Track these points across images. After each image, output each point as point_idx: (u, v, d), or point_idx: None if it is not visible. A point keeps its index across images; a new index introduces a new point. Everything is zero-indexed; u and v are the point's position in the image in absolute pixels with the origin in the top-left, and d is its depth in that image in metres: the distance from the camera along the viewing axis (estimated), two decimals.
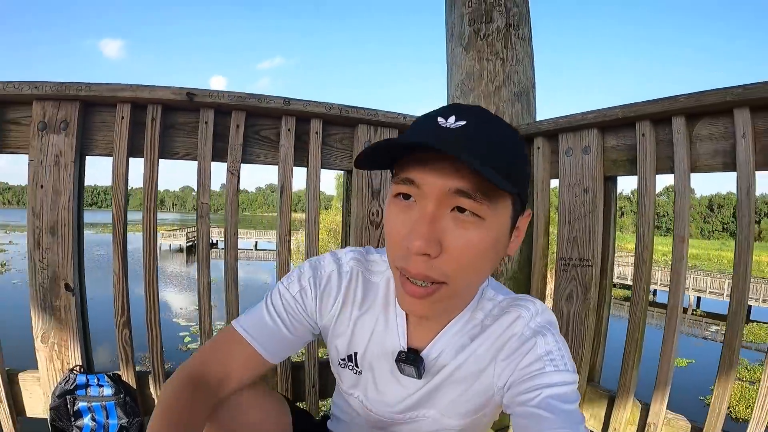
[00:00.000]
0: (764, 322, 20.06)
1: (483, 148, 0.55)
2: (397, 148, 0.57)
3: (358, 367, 0.83)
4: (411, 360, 0.75)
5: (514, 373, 0.69)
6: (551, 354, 0.67)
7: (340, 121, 1.54)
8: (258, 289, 23.33)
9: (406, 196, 0.59)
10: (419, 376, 0.76)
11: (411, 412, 0.81)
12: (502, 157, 0.56)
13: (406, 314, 0.77)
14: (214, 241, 42.02)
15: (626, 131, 1.39)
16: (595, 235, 1.46)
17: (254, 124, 1.48)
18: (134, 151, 1.38)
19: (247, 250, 40.29)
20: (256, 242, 41.91)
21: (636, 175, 1.34)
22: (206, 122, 1.41)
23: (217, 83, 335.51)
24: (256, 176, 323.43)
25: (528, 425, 0.61)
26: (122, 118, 1.34)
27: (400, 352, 0.76)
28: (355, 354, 0.82)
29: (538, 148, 1.63)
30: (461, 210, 0.57)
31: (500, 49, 1.73)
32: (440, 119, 0.57)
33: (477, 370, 0.74)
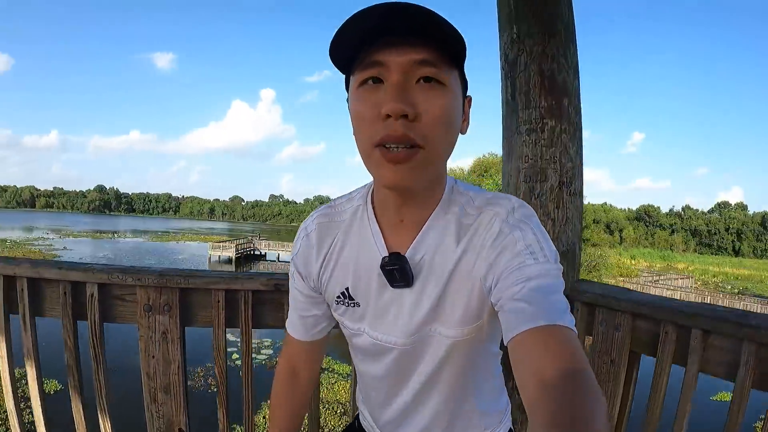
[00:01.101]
0: None
1: (432, 18, 0.60)
2: (368, 26, 0.62)
3: (352, 299, 0.85)
4: (394, 263, 0.76)
5: (497, 270, 0.69)
6: (531, 247, 0.68)
7: None
8: None
9: (374, 80, 0.65)
10: (409, 282, 0.77)
11: (420, 331, 0.81)
12: (457, 37, 0.63)
13: (379, 225, 0.80)
14: (263, 253, 43.15)
15: (653, 323, 1.53)
16: (615, 399, 1.61)
17: None
18: (229, 323, 1.64)
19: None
20: None
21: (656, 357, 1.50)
22: None
23: (267, 95, 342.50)
24: (303, 187, 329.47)
25: (511, 319, 0.62)
26: (218, 301, 1.61)
27: (382, 259, 0.77)
28: (347, 289, 0.85)
29: (577, 310, 1.75)
30: (427, 79, 0.64)
31: (552, 210, 1.80)
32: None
33: (466, 272, 0.75)
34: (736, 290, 36.19)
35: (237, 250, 38.69)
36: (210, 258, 37.91)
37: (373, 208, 0.82)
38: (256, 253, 42.63)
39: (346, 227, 0.85)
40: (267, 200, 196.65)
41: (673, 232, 79.26)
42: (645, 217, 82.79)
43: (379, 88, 0.65)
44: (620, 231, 67.69)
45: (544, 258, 0.67)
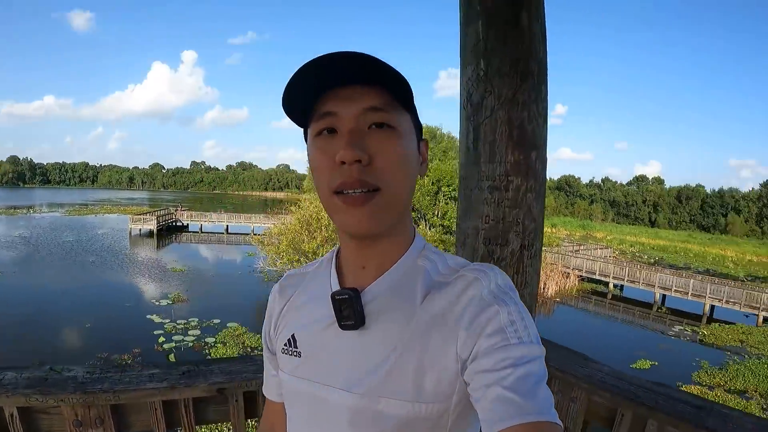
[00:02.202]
0: (726, 323, 20.58)
1: (378, 66, 0.63)
2: (312, 81, 0.64)
3: (296, 348, 0.78)
4: (345, 293, 0.70)
5: (475, 345, 0.63)
6: (515, 324, 0.63)
7: None
8: (232, 276, 23.17)
9: (329, 131, 0.67)
10: (358, 321, 0.70)
11: (367, 393, 0.68)
12: (402, 77, 0.65)
13: (340, 270, 0.77)
14: (185, 224, 41.65)
15: (610, 402, 1.51)
16: None
17: None
18: (169, 426, 1.47)
19: (218, 234, 39.73)
20: (227, 226, 40.96)
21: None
22: (236, 400, 1.52)
23: (189, 57, 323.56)
24: (227, 153, 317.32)
25: (495, 409, 0.58)
26: (155, 410, 1.44)
27: (333, 293, 0.71)
28: (293, 336, 0.79)
29: None
30: (379, 125, 0.66)
31: (512, 275, 1.66)
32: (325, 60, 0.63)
33: (434, 335, 0.67)
34: (653, 260, 38.73)
35: (158, 222, 37.29)
36: (131, 231, 36.34)
37: (338, 258, 0.80)
38: (178, 224, 41.41)
39: (308, 278, 0.84)
40: (188, 167, 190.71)
41: (592, 202, 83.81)
42: (566, 187, 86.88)
43: (334, 138, 0.66)
44: None
45: (528, 338, 0.63)
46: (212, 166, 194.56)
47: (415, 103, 0.72)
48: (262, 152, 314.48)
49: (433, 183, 23.00)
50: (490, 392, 0.58)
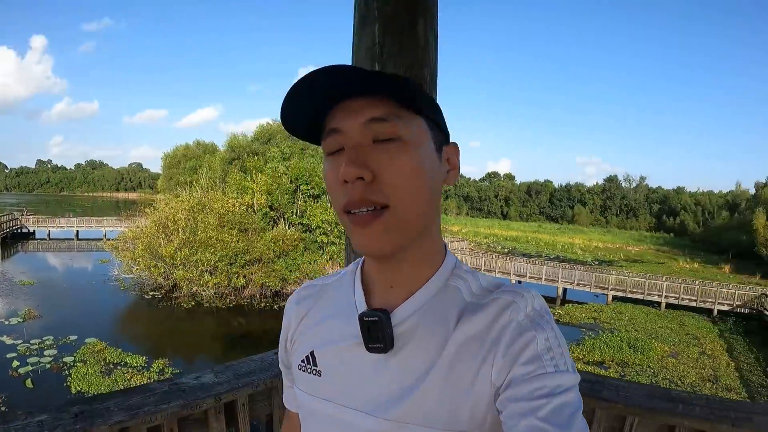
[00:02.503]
0: (579, 303, 22.96)
1: (376, 77, 0.61)
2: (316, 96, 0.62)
3: (316, 366, 0.74)
4: (375, 314, 0.66)
5: (511, 369, 0.60)
6: (552, 351, 0.60)
7: None
8: (86, 287, 21.48)
9: (338, 150, 0.64)
10: (388, 345, 0.65)
11: (397, 421, 0.64)
12: (405, 83, 0.64)
13: (366, 286, 0.73)
14: (31, 231, 37.51)
15: None
16: None
17: None
18: None
19: (67, 240, 36.51)
20: (77, 231, 37.72)
21: None
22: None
23: (38, 43, 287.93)
24: (75, 150, 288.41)
25: None
26: None
27: (361, 314, 0.67)
28: (311, 353, 0.75)
29: None
30: (383, 140, 0.61)
31: None
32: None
33: (465, 359, 0.63)
34: (506, 250, 41.80)
35: (2, 229, 33.26)
36: None
37: (362, 272, 0.75)
38: (24, 231, 37.35)
39: (329, 290, 0.80)
40: (34, 167, 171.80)
41: (447, 197, 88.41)
42: None
43: (341, 155, 0.63)
44: None
45: (564, 366, 0.60)
46: (60, 165, 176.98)
47: (433, 102, 0.68)
48: (113, 150, 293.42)
49: (291, 181, 23.39)
50: (524, 423, 0.56)
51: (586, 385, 1.45)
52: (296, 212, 23.20)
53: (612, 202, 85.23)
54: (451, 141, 0.72)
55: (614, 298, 23.27)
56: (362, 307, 0.71)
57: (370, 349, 0.67)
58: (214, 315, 17.91)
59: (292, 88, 0.61)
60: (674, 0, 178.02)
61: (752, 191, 59.78)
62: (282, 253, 20.88)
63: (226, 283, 19.34)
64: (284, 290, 20.41)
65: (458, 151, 0.72)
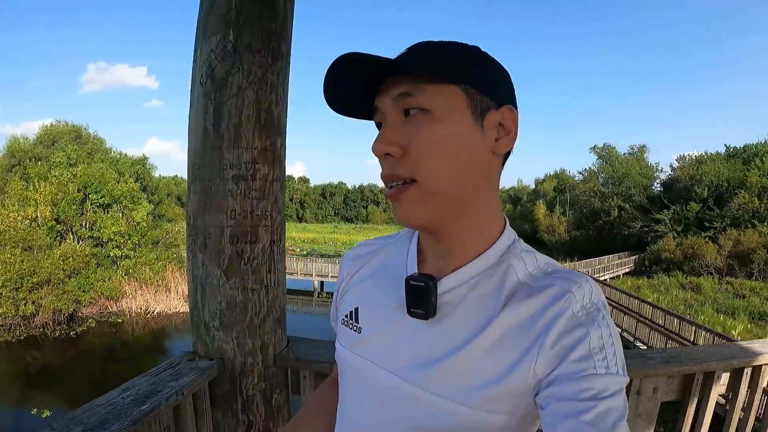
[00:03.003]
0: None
1: (418, 51, 0.63)
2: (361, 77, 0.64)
3: (357, 323, 0.75)
4: (421, 279, 0.66)
5: (559, 365, 0.59)
6: (604, 351, 0.59)
7: None
8: None
9: (379, 125, 0.67)
10: (429, 312, 0.65)
11: (423, 387, 0.65)
12: (436, 55, 0.63)
13: (417, 250, 0.74)
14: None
15: None
16: None
17: None
18: None
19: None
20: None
21: None
22: None
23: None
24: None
25: None
26: None
27: (408, 277, 0.68)
28: (355, 309, 0.77)
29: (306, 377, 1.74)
30: (409, 111, 0.62)
31: (264, 275, 1.65)
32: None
33: (512, 347, 0.62)
34: (305, 252, 43.17)
35: None
36: None
37: (418, 240, 0.76)
38: None
39: (384, 250, 0.81)
40: None
41: None
42: None
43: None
44: None
45: (615, 367, 0.59)
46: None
47: (478, 68, 0.65)
48: None
49: (79, 190, 21.23)
50: (568, 424, 0.55)
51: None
52: (85, 224, 21.24)
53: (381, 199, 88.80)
54: (506, 105, 0.65)
55: None
56: (412, 271, 0.72)
57: (411, 314, 0.67)
58: (3, 350, 15.61)
59: (328, 78, 0.63)
60: None
61: (532, 186, 66.70)
62: (73, 272, 19.02)
63: (12, 311, 16.99)
64: (79, 313, 18.69)
65: (514, 115, 0.66)
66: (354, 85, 0.65)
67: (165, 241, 24.42)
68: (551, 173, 62.04)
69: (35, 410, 11.80)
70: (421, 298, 0.66)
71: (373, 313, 0.74)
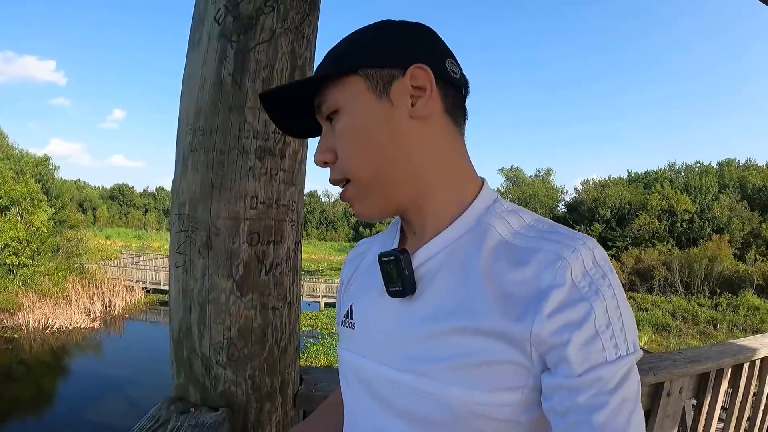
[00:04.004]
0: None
1: (323, 59, 0.65)
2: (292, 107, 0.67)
3: (352, 319, 0.71)
4: (391, 254, 0.62)
5: (561, 346, 0.51)
6: (612, 327, 0.52)
7: None
8: None
9: None
10: (407, 287, 0.60)
11: (411, 366, 0.59)
12: (332, 54, 0.64)
13: (401, 230, 0.71)
14: None
15: None
16: None
17: None
18: None
19: None
20: None
21: None
22: None
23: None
24: None
25: None
26: None
27: (379, 254, 0.64)
28: (351, 306, 0.72)
29: None
30: (329, 119, 0.64)
31: (288, 288, 1.30)
32: None
33: (501, 319, 0.54)
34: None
35: None
36: None
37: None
38: None
39: (376, 243, 0.78)
40: None
41: (147, 211, 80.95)
42: (119, 196, 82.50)
43: None
44: (94, 210, 65.45)
45: (625, 347, 0.52)
46: None
47: (368, 48, 0.62)
48: None
49: None
50: (576, 428, 0.50)
51: None
52: None
53: (312, 216, 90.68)
54: (412, 65, 0.60)
55: (326, 304, 24.39)
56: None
57: (390, 293, 0.62)
58: None
59: (267, 111, 0.66)
60: None
61: None
62: None
63: None
64: None
65: (425, 72, 0.60)
66: (302, 110, 0.67)
67: (66, 249, 22.85)
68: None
69: None
70: (396, 273, 0.62)
71: (362, 305, 0.71)
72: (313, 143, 0.77)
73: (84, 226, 31.07)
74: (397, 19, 0.66)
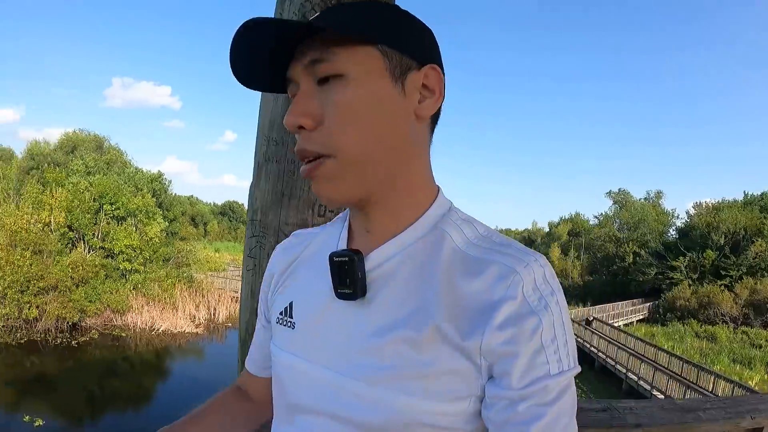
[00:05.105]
0: None
1: (331, 13, 0.58)
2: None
3: (291, 318, 0.68)
4: (345, 254, 0.60)
5: (506, 358, 0.53)
6: (556, 342, 0.54)
7: None
8: None
9: (293, 98, 0.59)
10: (357, 290, 0.59)
11: (361, 379, 0.58)
12: (347, 11, 0.57)
13: (349, 230, 0.68)
14: None
15: None
16: None
17: None
18: None
19: None
20: None
21: None
22: None
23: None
24: None
25: None
26: None
27: (332, 254, 0.62)
28: (290, 304, 0.69)
29: None
30: (324, 80, 0.56)
31: None
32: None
33: (451, 329, 0.55)
34: None
35: None
36: None
37: (350, 220, 0.69)
38: None
39: (318, 238, 0.74)
40: None
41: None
42: (230, 212, 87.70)
43: None
44: (205, 224, 69.28)
45: (567, 361, 0.54)
46: None
47: (394, 24, 0.59)
48: None
49: (94, 199, 21.26)
50: (508, 428, 0.52)
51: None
52: (98, 235, 21.23)
53: None
54: (429, 64, 0.60)
55: None
56: (342, 245, 0.66)
57: (339, 295, 0.61)
58: (2, 353, 15.45)
59: (233, 46, 0.56)
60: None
61: (546, 229, 66.73)
62: (81, 281, 18.85)
63: (16, 314, 16.80)
64: (83, 323, 18.44)
65: (438, 74, 0.61)
66: (262, 55, 0.59)
67: (176, 259, 24.30)
68: (566, 216, 61.75)
69: (28, 417, 11.74)
70: (347, 275, 0.60)
71: (305, 304, 0.67)
72: None
73: (195, 239, 33.33)
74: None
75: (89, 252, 20.89)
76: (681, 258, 32.51)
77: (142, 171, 27.07)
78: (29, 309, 17.18)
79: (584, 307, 29.19)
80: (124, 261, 21.15)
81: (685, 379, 14.75)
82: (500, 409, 0.54)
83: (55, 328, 17.76)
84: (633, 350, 18.12)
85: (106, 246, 21.24)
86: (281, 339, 0.69)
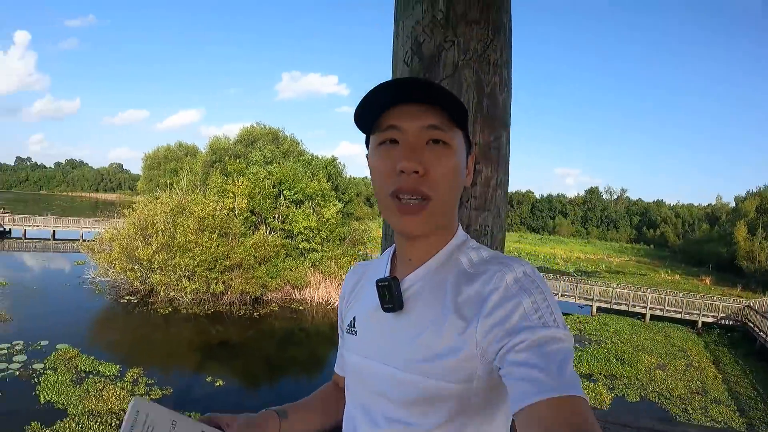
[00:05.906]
0: (564, 314, 21.78)
1: (439, 91, 0.73)
2: (385, 95, 0.73)
3: (355, 328, 0.87)
4: (386, 281, 0.79)
5: (498, 332, 0.66)
6: (540, 310, 0.65)
7: None
8: (60, 289, 20.44)
9: (392, 141, 0.75)
10: (396, 304, 0.78)
11: (401, 368, 0.76)
12: (455, 101, 0.73)
13: (393, 255, 0.87)
14: (7, 230, 36.06)
15: None
16: None
17: None
18: None
19: (43, 240, 35.38)
20: (54, 231, 36.44)
21: None
22: None
23: (21, 39, 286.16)
24: (55, 149, 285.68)
25: (522, 387, 0.59)
26: None
27: (377, 280, 0.81)
28: (354, 318, 0.89)
29: None
30: (435, 141, 0.73)
31: None
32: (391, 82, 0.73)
33: (460, 322, 0.72)
34: None
35: None
36: None
37: (394, 252, 0.88)
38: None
39: (372, 266, 0.94)
40: (13, 164, 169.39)
41: None
42: None
43: (395, 148, 0.74)
44: None
45: (554, 323, 0.64)
46: (39, 164, 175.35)
47: (467, 116, 0.77)
48: (93, 149, 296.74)
49: (274, 186, 22.91)
50: (516, 372, 0.61)
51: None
52: (278, 218, 22.78)
53: (593, 214, 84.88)
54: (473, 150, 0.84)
55: (599, 309, 22.95)
56: (387, 273, 0.85)
57: (384, 309, 0.79)
58: (192, 322, 17.22)
59: (374, 89, 0.73)
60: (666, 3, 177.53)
61: (732, 204, 58.96)
62: (263, 260, 20.33)
63: (204, 288, 18.71)
64: (264, 297, 19.88)
65: (473, 159, 0.83)
66: (382, 108, 0.76)
67: (352, 238, 25.14)
68: (754, 190, 51.56)
69: (210, 378, 12.46)
70: (388, 295, 0.78)
71: (364, 317, 0.86)
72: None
73: (369, 218, 34.33)
74: None
75: (270, 233, 22.43)
76: None
77: (318, 157, 28.35)
78: (216, 284, 18.92)
79: None
80: (302, 241, 22.39)
81: None
82: (504, 364, 0.64)
83: (239, 301, 19.31)
84: None
85: (285, 228, 22.66)
86: (350, 344, 0.89)
